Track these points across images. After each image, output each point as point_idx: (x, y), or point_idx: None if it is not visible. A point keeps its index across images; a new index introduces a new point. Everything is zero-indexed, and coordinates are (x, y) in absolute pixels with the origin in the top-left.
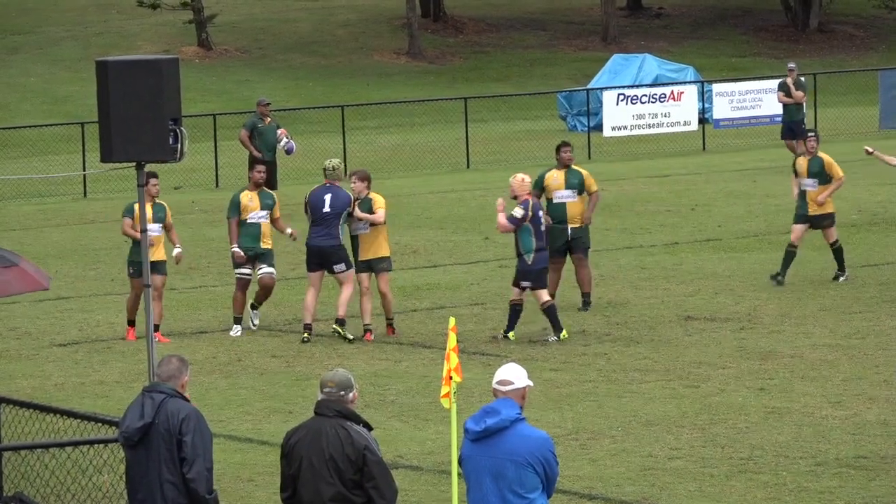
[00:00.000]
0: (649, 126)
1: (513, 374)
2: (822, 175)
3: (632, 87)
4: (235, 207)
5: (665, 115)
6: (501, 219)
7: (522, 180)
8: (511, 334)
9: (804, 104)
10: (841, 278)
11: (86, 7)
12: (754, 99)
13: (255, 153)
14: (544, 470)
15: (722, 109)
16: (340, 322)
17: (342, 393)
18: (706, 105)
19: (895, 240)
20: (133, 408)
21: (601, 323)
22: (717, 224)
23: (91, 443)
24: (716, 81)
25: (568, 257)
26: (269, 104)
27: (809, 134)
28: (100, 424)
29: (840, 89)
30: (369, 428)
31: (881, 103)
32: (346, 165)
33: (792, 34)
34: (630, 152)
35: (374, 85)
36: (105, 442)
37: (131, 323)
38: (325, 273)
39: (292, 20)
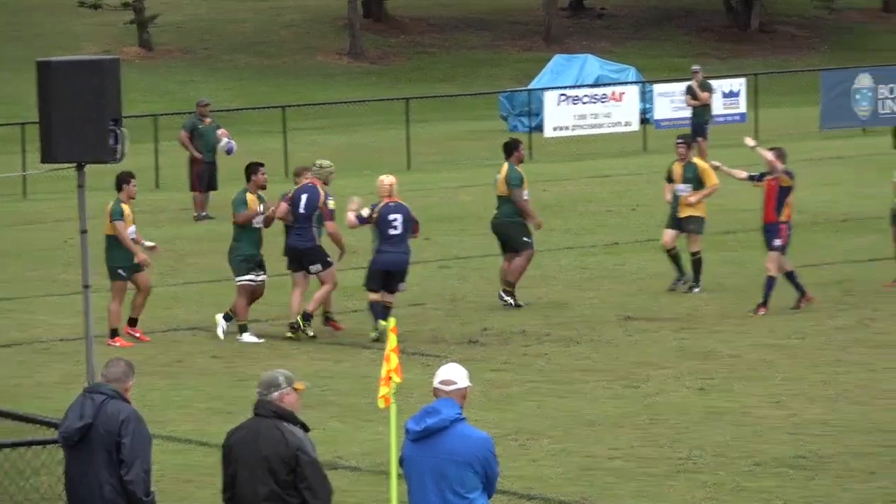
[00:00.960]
0: (591, 126)
1: (455, 374)
2: (696, 181)
3: (573, 87)
4: (244, 204)
5: (606, 116)
6: (350, 216)
7: (381, 182)
8: (381, 324)
9: (711, 105)
10: (695, 290)
11: (27, 7)
12: None
13: (196, 154)
14: (484, 470)
15: (663, 110)
16: (306, 316)
17: (266, 393)
18: (647, 105)
19: (836, 240)
20: (73, 408)
21: (542, 323)
22: (659, 224)
23: (29, 444)
24: (657, 82)
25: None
26: (208, 105)
27: (678, 140)
28: (38, 426)
29: (782, 89)
30: (306, 429)
31: (822, 104)
32: (286, 166)
33: (734, 34)
34: (571, 153)
35: (318, 85)
36: (43, 443)
37: (133, 322)
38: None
39: (237, 20)
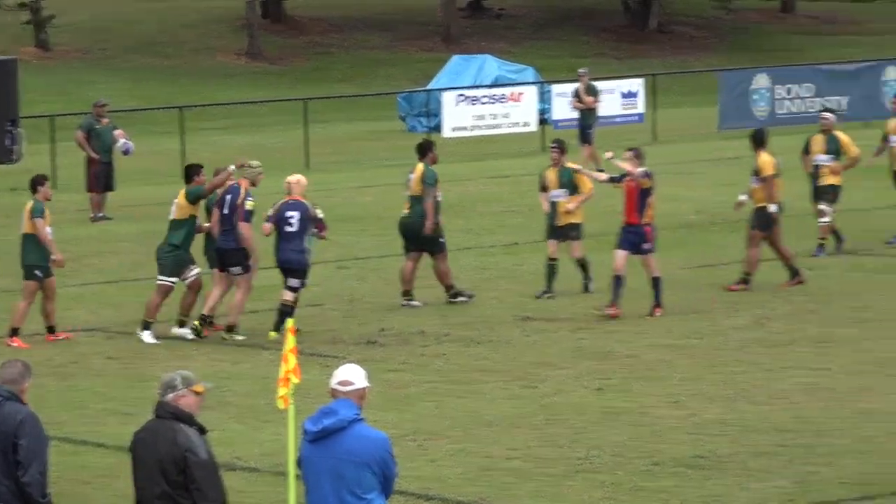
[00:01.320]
0: (489, 127)
1: (353, 375)
2: (571, 186)
3: (472, 87)
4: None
5: (505, 116)
6: (265, 224)
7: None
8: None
9: (596, 109)
10: (590, 287)
11: None
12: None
13: (92, 154)
14: (382, 471)
15: (562, 110)
16: (230, 328)
17: (164, 394)
18: (546, 106)
19: (733, 240)
20: None
21: (440, 323)
22: None
23: None
24: (555, 82)
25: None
26: (105, 105)
27: (552, 145)
28: None
29: (681, 90)
30: (203, 431)
31: (720, 104)
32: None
33: (632, 35)
34: (471, 153)
35: (217, 86)
36: None
37: (52, 329)
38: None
39: (135, 21)
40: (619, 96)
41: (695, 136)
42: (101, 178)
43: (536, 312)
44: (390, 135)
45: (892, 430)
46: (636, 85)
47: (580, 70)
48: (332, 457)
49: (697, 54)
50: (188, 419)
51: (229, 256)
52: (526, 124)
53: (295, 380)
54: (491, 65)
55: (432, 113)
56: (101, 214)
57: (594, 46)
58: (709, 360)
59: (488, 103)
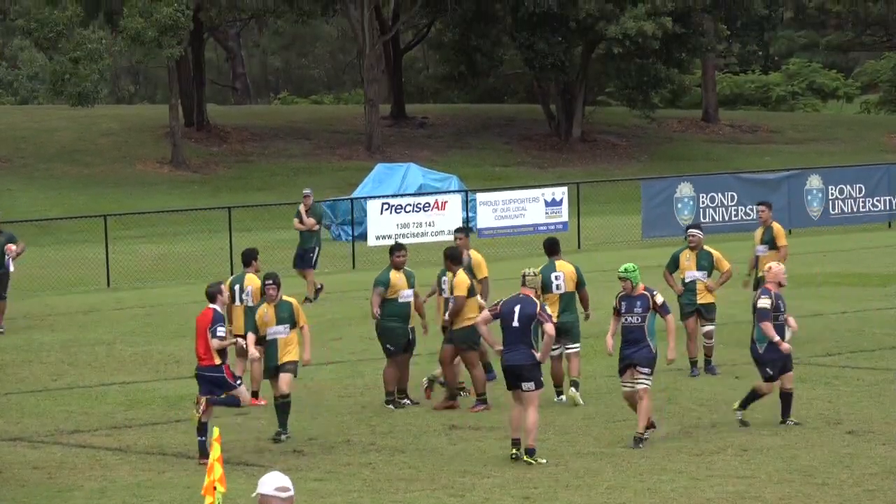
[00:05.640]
0: (414, 235)
1: (286, 482)
2: (291, 320)
3: (396, 196)
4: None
5: (429, 224)
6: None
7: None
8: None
9: (319, 233)
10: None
11: None
12: (518, 208)
13: None
14: None
15: (486, 218)
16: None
17: None
18: (470, 214)
19: (658, 349)
20: None
21: (366, 432)
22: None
23: None
24: (479, 191)
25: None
26: None
27: (267, 282)
28: None
29: (603, 198)
30: None
31: (644, 213)
32: (108, 274)
33: (555, 143)
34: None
35: (137, 194)
36: None
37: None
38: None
39: (54, 129)
40: (543, 204)
41: (619, 245)
42: None
43: (462, 421)
44: None
45: None
46: (560, 193)
47: (305, 191)
48: None
49: (618, 163)
50: None
51: None
52: (451, 233)
53: (221, 489)
54: (415, 173)
55: (357, 221)
56: None
57: (517, 155)
58: (636, 468)
59: (412, 212)
